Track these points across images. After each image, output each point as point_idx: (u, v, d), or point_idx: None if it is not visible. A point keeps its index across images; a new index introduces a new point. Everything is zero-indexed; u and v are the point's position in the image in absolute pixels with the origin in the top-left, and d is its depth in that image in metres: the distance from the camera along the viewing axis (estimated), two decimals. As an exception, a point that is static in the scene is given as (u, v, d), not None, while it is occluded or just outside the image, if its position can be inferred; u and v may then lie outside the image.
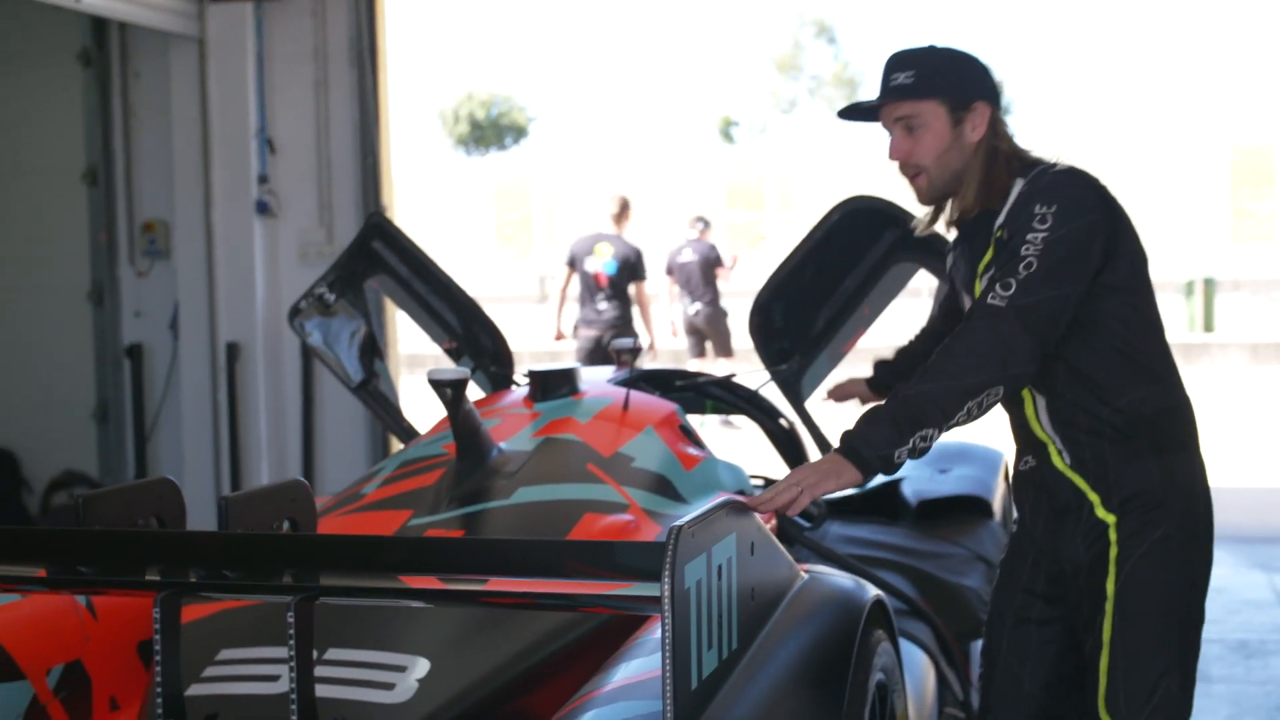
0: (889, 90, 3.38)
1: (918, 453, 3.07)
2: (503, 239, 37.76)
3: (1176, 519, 3.30)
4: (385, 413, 5.24)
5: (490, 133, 59.15)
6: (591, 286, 11.48)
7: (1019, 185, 3.32)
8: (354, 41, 8.76)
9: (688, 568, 2.21)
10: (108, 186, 9.17)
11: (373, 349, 5.20)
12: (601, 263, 11.45)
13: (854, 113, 3.50)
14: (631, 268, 11.48)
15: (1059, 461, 3.39)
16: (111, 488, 2.69)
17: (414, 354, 17.27)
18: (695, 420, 5.05)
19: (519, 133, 59.78)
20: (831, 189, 28.40)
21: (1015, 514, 3.62)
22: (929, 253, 4.58)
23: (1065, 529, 3.41)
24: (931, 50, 3.42)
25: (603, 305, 11.46)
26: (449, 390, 3.61)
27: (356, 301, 5.20)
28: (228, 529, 2.54)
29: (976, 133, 3.38)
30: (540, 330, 18.08)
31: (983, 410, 3.13)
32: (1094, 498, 3.34)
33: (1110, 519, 3.32)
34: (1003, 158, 3.38)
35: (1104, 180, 3.33)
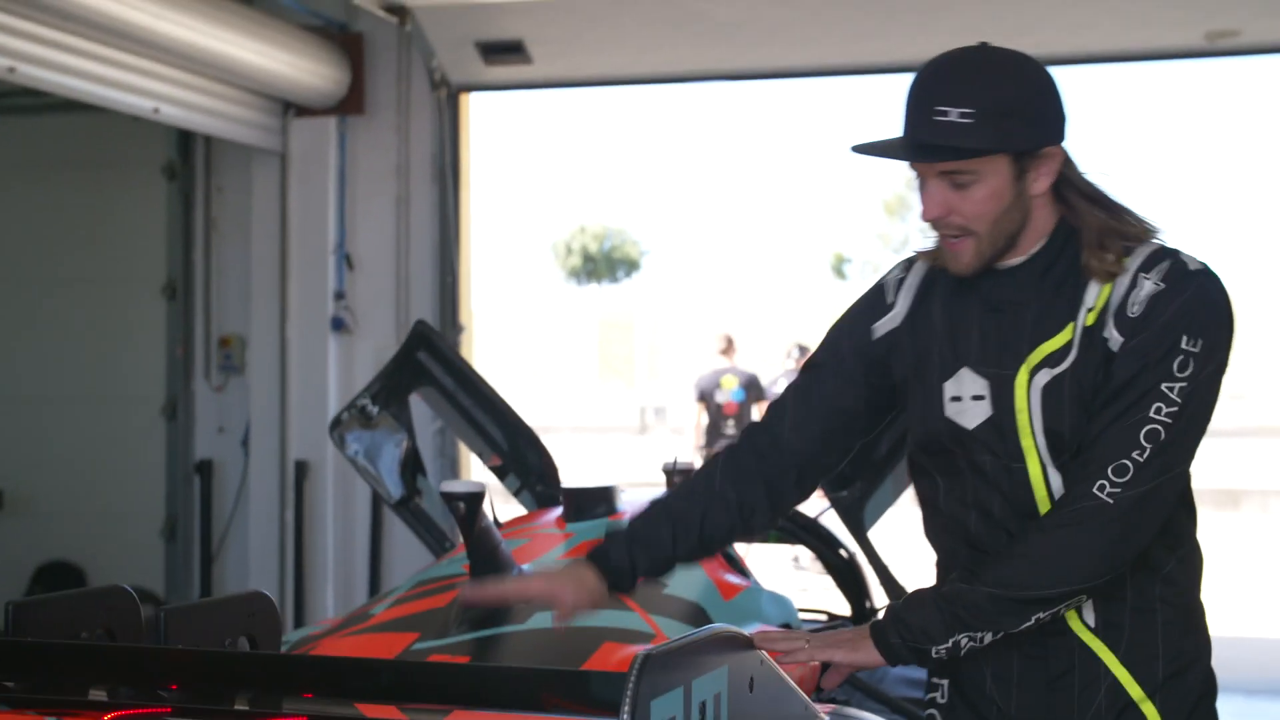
0: (934, 135, 2.38)
1: (964, 652, 2.43)
2: (606, 370, 37.69)
3: (1207, 697, 2.60)
4: (426, 531, 4.99)
5: (602, 265, 59.47)
6: (719, 417, 12.90)
7: (1136, 268, 2.43)
8: (436, 158, 8.66)
9: (656, 703, 1.90)
10: (186, 300, 9.10)
11: (415, 464, 4.96)
12: (729, 393, 12.92)
13: (875, 149, 2.51)
14: (757, 389, 12.93)
15: (1075, 621, 2.52)
16: (55, 595, 2.46)
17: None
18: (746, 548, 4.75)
19: (631, 266, 60.05)
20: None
21: (937, 679, 2.72)
22: None
23: (1059, 710, 2.55)
24: (992, 69, 2.42)
25: (731, 431, 12.69)
26: (462, 505, 3.35)
27: (400, 414, 4.97)
28: (165, 642, 2.28)
29: (1042, 183, 2.47)
30: (640, 461, 17.86)
31: (1057, 615, 2.44)
32: (1121, 673, 2.51)
33: (1148, 706, 2.51)
34: (1082, 207, 2.49)
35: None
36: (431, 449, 8.13)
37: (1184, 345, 2.37)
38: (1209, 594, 2.66)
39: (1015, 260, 2.51)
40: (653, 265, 72.60)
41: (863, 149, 2.49)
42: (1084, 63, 8.33)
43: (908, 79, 2.48)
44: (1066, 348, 2.45)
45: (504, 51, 8.38)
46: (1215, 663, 2.63)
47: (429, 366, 4.97)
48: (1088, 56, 8.24)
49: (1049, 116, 2.44)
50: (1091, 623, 2.51)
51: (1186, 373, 2.37)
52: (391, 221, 8.74)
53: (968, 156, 2.39)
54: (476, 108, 9.06)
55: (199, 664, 2.27)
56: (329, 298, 8.66)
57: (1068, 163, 2.49)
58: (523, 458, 4.96)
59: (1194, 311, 2.39)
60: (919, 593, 2.48)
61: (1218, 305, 2.41)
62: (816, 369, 2.70)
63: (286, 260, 8.68)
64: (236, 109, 8.29)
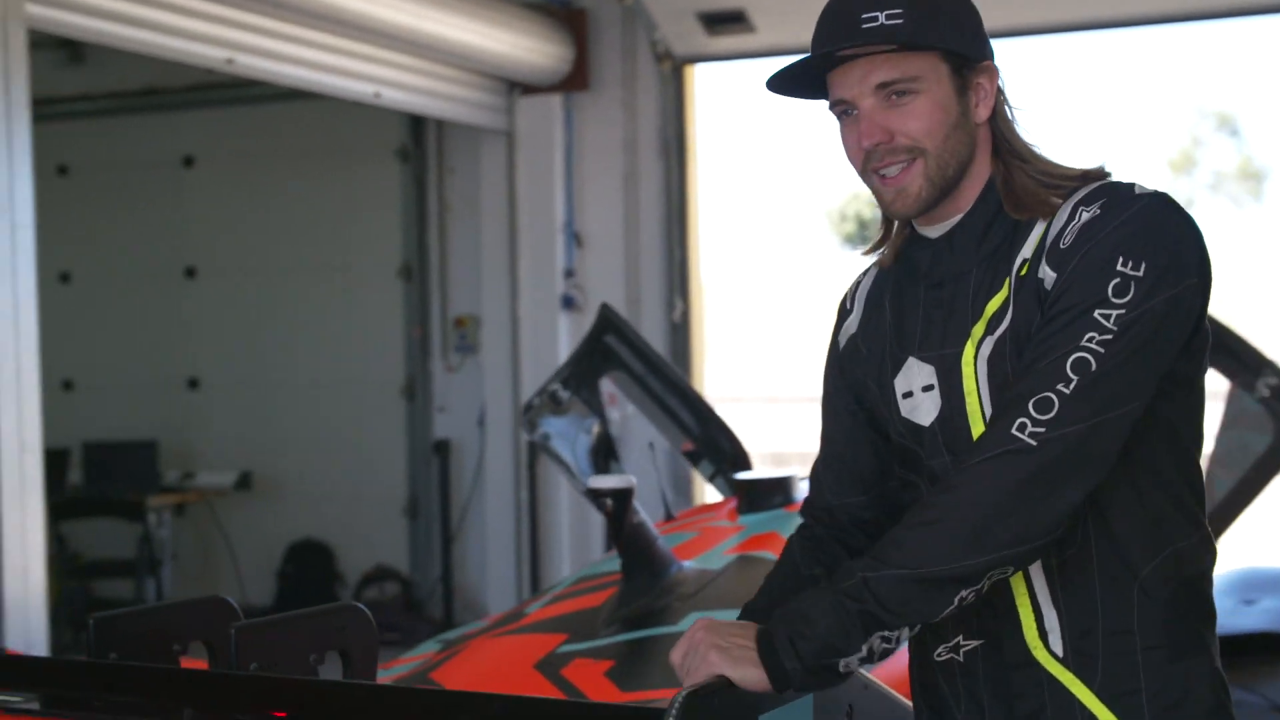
0: (863, 33, 2.06)
1: (877, 657, 1.98)
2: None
3: None
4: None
5: (874, 230, 58.88)
6: None
7: (1075, 202, 2.07)
8: (662, 132, 8.54)
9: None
10: (422, 281, 9.19)
11: (607, 449, 4.85)
12: None
13: (789, 82, 2.17)
14: None
15: (1040, 650, 2.08)
16: (143, 608, 2.41)
17: (778, 451, 16.88)
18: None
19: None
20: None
21: None
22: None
23: None
24: None
25: None
26: (610, 501, 3.22)
27: (591, 399, 4.87)
28: (236, 665, 2.19)
29: (983, 109, 2.14)
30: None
31: (981, 595, 2.00)
32: (1101, 711, 2.06)
33: None
34: (1014, 154, 2.16)
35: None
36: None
37: (1120, 268, 1.98)
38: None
39: (951, 220, 2.16)
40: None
41: (776, 82, 2.17)
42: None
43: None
44: (1005, 307, 2.08)
45: (726, 21, 8.20)
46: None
47: (618, 350, 4.85)
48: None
49: (976, 29, 2.15)
50: (1059, 651, 2.06)
51: (1125, 298, 1.97)
52: (619, 198, 8.66)
53: (908, 48, 2.07)
54: (709, 79, 8.91)
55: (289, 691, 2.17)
56: (558, 275, 8.63)
57: (1001, 100, 2.17)
58: (715, 443, 4.81)
59: (1135, 234, 2.00)
60: (808, 596, 2.01)
61: (1167, 230, 2.02)
62: (822, 426, 2.37)
63: (516, 239, 8.68)
64: (461, 90, 8.31)
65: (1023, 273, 2.07)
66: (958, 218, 2.15)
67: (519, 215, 8.68)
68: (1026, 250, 2.09)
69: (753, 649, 1.97)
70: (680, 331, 8.59)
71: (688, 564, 3.48)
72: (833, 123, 2.18)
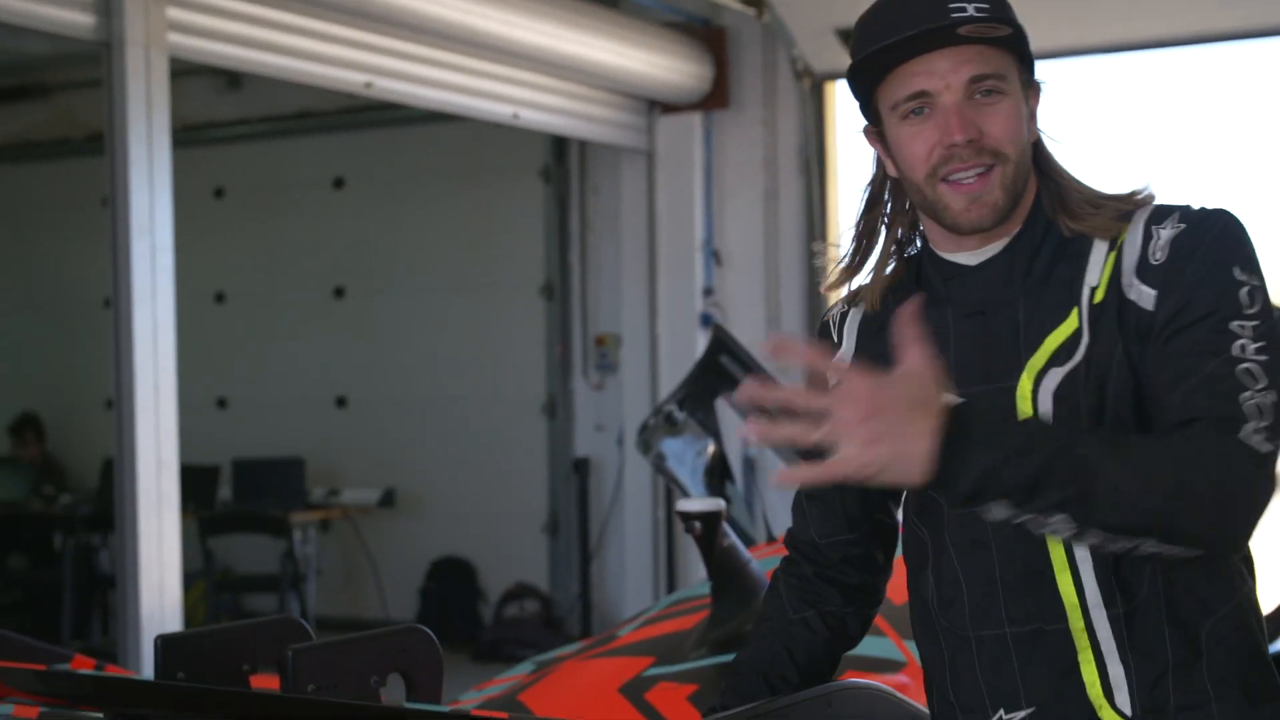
0: (963, 20, 1.89)
1: (1022, 525, 1.76)
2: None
3: None
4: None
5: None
6: None
7: (1145, 221, 1.94)
8: (802, 149, 8.49)
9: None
10: (564, 299, 9.24)
11: (723, 470, 4.83)
12: None
13: (864, 71, 1.98)
14: None
15: (1105, 710, 1.91)
16: (214, 628, 2.43)
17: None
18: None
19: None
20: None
21: None
22: None
23: None
24: None
25: None
26: (699, 524, 3.20)
27: (707, 420, 4.85)
28: (294, 687, 2.20)
29: (1034, 125, 2.02)
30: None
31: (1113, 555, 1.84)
32: None
33: None
34: (1059, 174, 2.03)
35: None
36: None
37: (1239, 276, 1.86)
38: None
39: (994, 245, 2.00)
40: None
41: (857, 70, 1.98)
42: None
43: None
44: (1075, 337, 1.91)
45: (865, 36, 8.12)
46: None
47: (733, 371, 4.82)
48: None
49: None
50: (1127, 708, 1.89)
51: (1255, 307, 1.85)
52: (759, 215, 8.64)
53: (995, 41, 1.91)
54: (846, 96, 8.85)
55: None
56: (697, 294, 8.62)
57: (1042, 130, 2.04)
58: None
59: (1236, 245, 1.89)
60: (1028, 424, 1.86)
61: (1251, 241, 1.91)
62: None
63: (655, 258, 8.70)
64: (600, 110, 8.35)
65: (1095, 300, 1.92)
66: (1004, 241, 1.99)
67: (659, 234, 8.69)
68: (1093, 277, 1.94)
69: (926, 437, 1.68)
70: (822, 349, 8.52)
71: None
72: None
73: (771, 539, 4.44)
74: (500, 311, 9.44)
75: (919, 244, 2.10)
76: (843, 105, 8.66)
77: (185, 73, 7.02)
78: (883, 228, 2.12)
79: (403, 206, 9.72)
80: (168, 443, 5.98)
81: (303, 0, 6.32)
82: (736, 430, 7.29)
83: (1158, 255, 1.90)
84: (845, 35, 8.13)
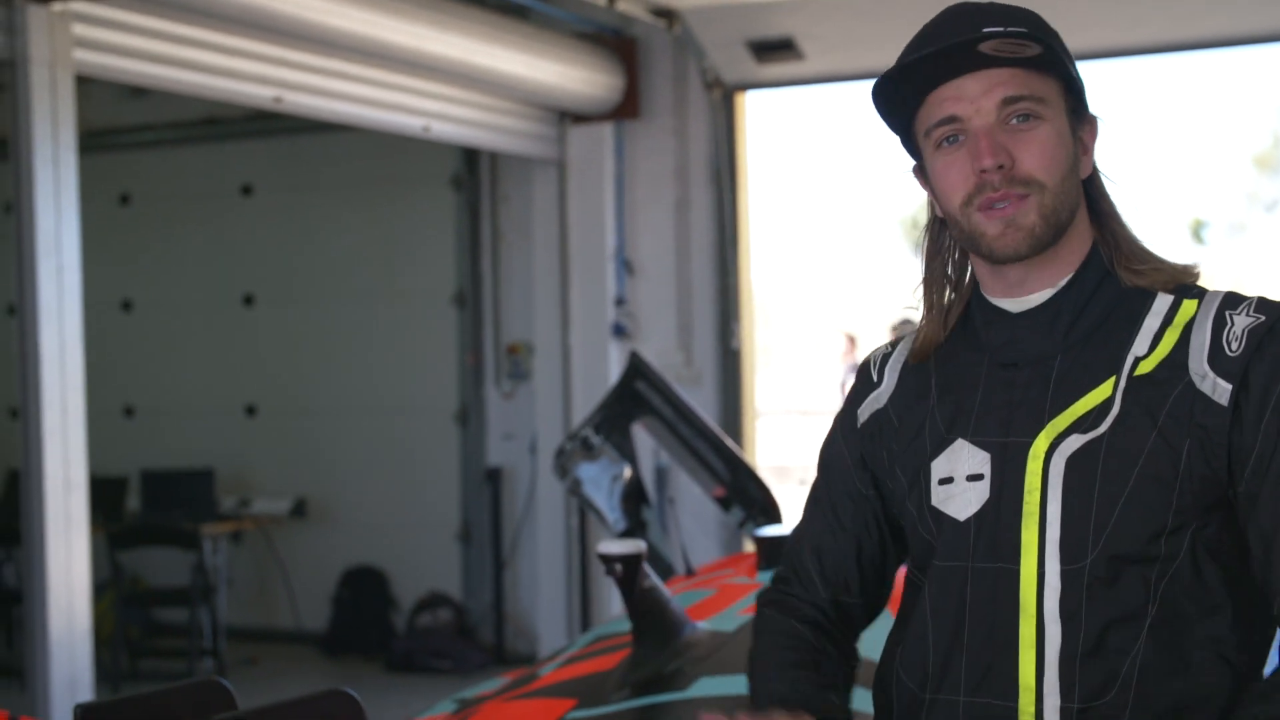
0: (988, 35, 1.80)
1: None
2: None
3: None
4: (652, 562, 4.87)
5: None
6: None
7: (1218, 305, 1.84)
8: (712, 159, 8.53)
9: None
10: (475, 308, 9.23)
11: (639, 495, 4.86)
12: None
13: (886, 97, 1.90)
14: None
15: None
16: (136, 695, 2.42)
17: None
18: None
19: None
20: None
21: None
22: None
23: None
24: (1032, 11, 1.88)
25: None
26: (619, 566, 3.22)
27: (622, 444, 4.88)
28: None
29: (1087, 161, 1.91)
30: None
31: None
32: None
33: None
34: (1116, 218, 1.93)
35: None
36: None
37: None
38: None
39: (1040, 294, 1.90)
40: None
41: (882, 87, 1.87)
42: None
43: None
44: (1106, 405, 1.81)
45: (775, 49, 8.19)
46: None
47: (648, 396, 4.86)
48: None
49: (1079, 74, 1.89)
50: None
51: None
52: (670, 225, 8.67)
53: (1032, 64, 1.82)
54: (759, 106, 8.90)
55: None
56: (609, 303, 8.65)
57: (1096, 171, 1.93)
58: (745, 490, 4.80)
59: None
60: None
61: None
62: (817, 504, 2.07)
63: (567, 267, 8.71)
64: (511, 121, 8.35)
65: (1138, 372, 1.82)
66: (1049, 292, 1.88)
67: (570, 243, 8.71)
68: (1141, 347, 1.83)
69: None
70: (732, 357, 8.59)
71: (701, 625, 3.46)
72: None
73: (690, 571, 4.47)
74: (412, 320, 9.40)
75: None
76: (753, 116, 8.71)
77: (90, 79, 6.93)
78: (949, 274, 2.00)
79: (312, 214, 9.66)
80: (76, 460, 5.91)
81: (211, 15, 6.26)
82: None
83: (1233, 346, 1.80)
84: (756, 47, 8.20)
